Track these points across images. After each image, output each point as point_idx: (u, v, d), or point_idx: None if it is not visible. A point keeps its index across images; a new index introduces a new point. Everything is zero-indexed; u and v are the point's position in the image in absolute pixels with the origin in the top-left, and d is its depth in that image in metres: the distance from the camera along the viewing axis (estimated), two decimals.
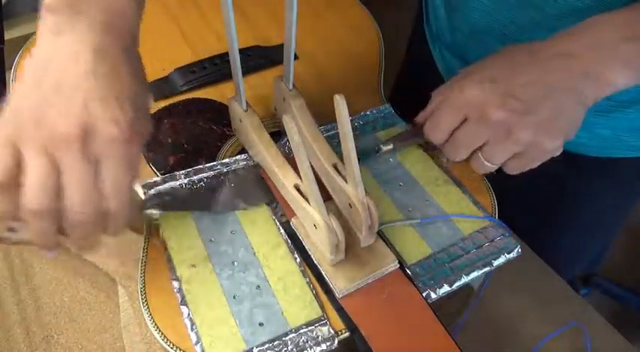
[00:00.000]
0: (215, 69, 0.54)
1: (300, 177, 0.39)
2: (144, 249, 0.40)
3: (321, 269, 0.38)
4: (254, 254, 0.39)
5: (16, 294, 0.52)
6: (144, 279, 0.38)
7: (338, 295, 0.37)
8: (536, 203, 0.64)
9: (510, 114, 0.37)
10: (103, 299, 0.52)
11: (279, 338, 0.35)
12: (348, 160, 0.37)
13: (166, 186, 0.43)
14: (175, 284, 0.37)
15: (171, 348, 0.35)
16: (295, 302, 0.37)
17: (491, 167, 0.40)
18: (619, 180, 0.62)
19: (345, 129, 0.35)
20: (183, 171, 0.44)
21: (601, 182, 0.61)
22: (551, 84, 0.37)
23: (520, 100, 0.37)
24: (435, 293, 0.38)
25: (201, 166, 0.44)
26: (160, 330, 0.35)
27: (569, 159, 0.56)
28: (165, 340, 0.35)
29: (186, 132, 0.49)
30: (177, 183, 0.43)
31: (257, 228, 0.41)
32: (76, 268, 0.54)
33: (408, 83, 0.74)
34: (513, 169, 0.40)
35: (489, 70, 0.40)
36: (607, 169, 0.59)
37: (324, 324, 0.36)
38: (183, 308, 0.36)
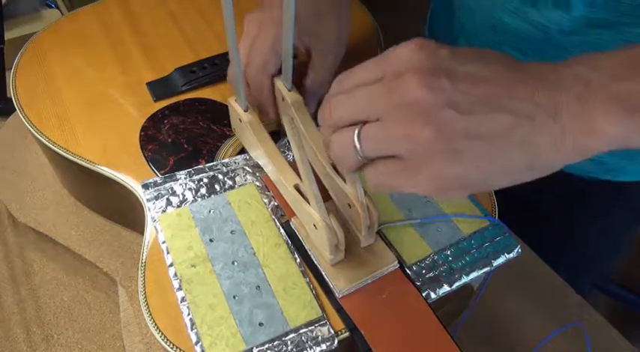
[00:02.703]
0: (215, 69, 0.54)
1: (300, 177, 0.39)
2: (144, 248, 0.40)
3: (321, 269, 0.38)
4: (254, 254, 0.39)
5: (16, 294, 0.52)
6: (144, 279, 0.38)
7: (338, 295, 0.37)
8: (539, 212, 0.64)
9: (433, 95, 0.25)
10: (103, 299, 0.52)
11: (279, 338, 0.35)
12: None
13: (166, 186, 0.43)
14: (175, 284, 0.37)
15: (171, 348, 0.35)
16: (295, 302, 0.37)
17: (354, 153, 0.28)
18: (623, 205, 0.61)
19: None
20: (184, 172, 0.44)
21: (603, 205, 0.61)
22: (516, 95, 0.26)
23: (459, 87, 0.26)
24: (435, 293, 0.38)
25: (201, 166, 0.44)
26: (160, 330, 0.35)
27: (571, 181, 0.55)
28: (165, 340, 0.35)
29: (186, 132, 0.49)
30: (178, 183, 0.43)
31: (257, 227, 0.41)
32: (76, 268, 0.54)
33: None
34: (372, 178, 0.29)
35: (455, 51, 0.28)
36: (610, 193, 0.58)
37: (324, 324, 0.36)
38: (183, 308, 0.36)
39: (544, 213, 0.62)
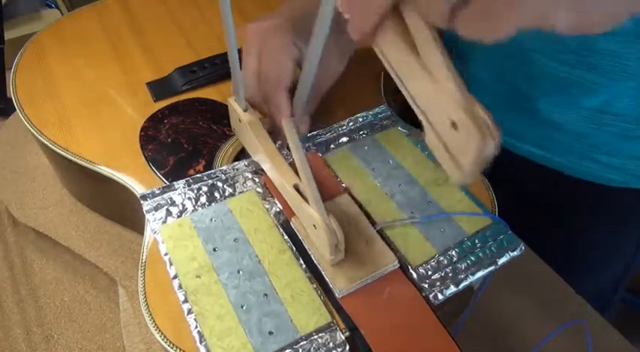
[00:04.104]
0: (215, 69, 0.54)
1: (300, 177, 0.39)
2: (144, 248, 0.40)
3: (320, 269, 0.38)
4: (259, 261, 0.39)
5: (16, 294, 0.52)
6: (144, 279, 0.38)
7: (338, 295, 0.37)
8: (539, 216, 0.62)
9: None
10: (103, 299, 0.52)
11: (290, 346, 0.34)
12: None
13: (165, 196, 0.43)
14: (181, 296, 0.37)
15: (171, 348, 0.35)
16: (304, 309, 0.36)
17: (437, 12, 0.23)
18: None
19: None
20: (182, 181, 0.43)
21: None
22: None
23: None
24: (442, 294, 0.38)
25: (199, 175, 0.44)
26: (160, 330, 0.35)
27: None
28: (165, 340, 0.35)
29: (186, 132, 0.49)
30: (177, 192, 0.43)
31: (260, 235, 0.40)
32: (76, 268, 0.54)
33: None
34: (471, 25, 0.23)
35: None
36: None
37: (334, 330, 0.35)
38: (191, 321, 0.35)
39: (554, 215, 0.61)
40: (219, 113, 0.50)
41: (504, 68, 0.55)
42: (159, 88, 0.53)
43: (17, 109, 0.50)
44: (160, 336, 0.35)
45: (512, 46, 0.51)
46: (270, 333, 0.35)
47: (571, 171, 0.55)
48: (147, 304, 0.37)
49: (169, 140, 0.48)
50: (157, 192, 0.43)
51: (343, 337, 0.35)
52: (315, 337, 0.35)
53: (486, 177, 0.46)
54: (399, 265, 0.39)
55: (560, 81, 0.50)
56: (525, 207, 0.57)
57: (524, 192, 0.60)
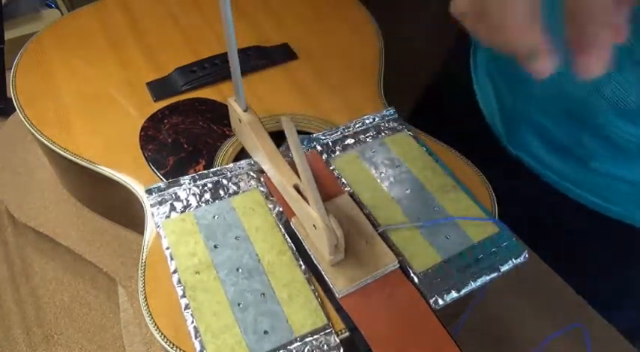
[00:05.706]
0: (215, 69, 0.54)
1: (299, 177, 0.39)
2: (144, 248, 0.40)
3: (320, 269, 0.38)
4: (258, 260, 0.39)
5: (16, 294, 0.52)
6: (144, 279, 0.38)
7: (338, 295, 0.37)
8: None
9: None
10: (103, 299, 0.52)
11: (284, 346, 0.35)
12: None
13: (170, 191, 0.43)
14: (179, 291, 0.37)
15: (172, 348, 0.35)
16: (300, 310, 0.36)
17: None
18: None
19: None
20: (188, 177, 0.44)
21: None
22: None
23: None
24: (443, 299, 0.38)
25: (205, 171, 0.44)
26: (160, 330, 0.35)
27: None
28: (165, 340, 0.35)
29: (186, 132, 0.49)
30: (182, 188, 0.43)
31: (261, 234, 0.40)
32: (76, 268, 0.54)
33: (432, 104, 0.70)
34: None
35: None
36: None
37: (330, 333, 0.36)
38: (187, 316, 0.36)
39: (603, 261, 0.57)
40: (219, 113, 0.50)
41: (566, 117, 0.50)
42: (159, 87, 0.53)
43: (17, 109, 0.50)
44: (160, 336, 0.35)
45: (584, 100, 0.47)
46: (265, 332, 0.35)
47: (630, 220, 0.52)
48: (147, 304, 0.37)
49: (169, 140, 0.48)
50: (163, 186, 0.43)
51: (338, 340, 0.35)
52: (310, 339, 0.35)
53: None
54: (399, 265, 0.39)
55: (630, 146, 0.46)
56: (573, 250, 0.55)
57: (571, 235, 0.57)
